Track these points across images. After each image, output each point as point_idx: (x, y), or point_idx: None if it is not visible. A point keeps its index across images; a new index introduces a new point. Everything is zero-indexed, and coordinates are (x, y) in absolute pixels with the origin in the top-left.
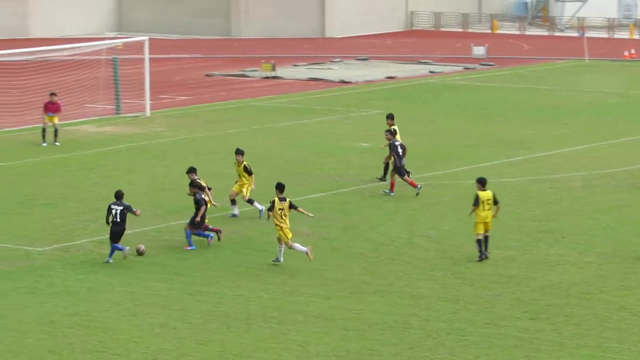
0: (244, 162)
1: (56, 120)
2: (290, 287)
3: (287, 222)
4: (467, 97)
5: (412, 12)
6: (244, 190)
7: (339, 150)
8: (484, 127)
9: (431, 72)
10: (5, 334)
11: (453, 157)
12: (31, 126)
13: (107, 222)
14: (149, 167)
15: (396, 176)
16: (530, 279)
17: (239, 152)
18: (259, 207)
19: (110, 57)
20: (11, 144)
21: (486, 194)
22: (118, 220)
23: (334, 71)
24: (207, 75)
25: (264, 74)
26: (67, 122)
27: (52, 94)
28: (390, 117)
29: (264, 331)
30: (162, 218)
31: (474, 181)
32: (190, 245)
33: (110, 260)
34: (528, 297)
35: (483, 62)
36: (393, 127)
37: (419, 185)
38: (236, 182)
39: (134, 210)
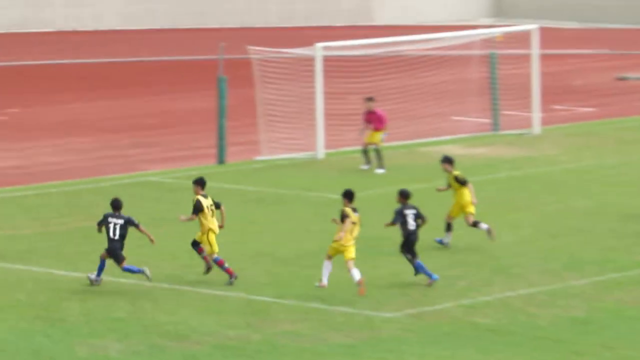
0: (455, 172)
1: (378, 138)
2: None
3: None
4: None
5: None
6: (469, 210)
7: None
8: None
9: None
10: None
11: None
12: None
13: (99, 230)
14: (538, 204)
15: None
16: None
17: (446, 160)
18: (484, 227)
19: (485, 53)
20: (349, 167)
21: None
22: (116, 237)
23: None
24: (619, 79)
25: None
26: (427, 140)
27: (369, 99)
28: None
29: None
30: (557, 275)
31: None
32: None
33: (98, 280)
34: None
35: None
36: None
37: None
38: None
39: (137, 223)
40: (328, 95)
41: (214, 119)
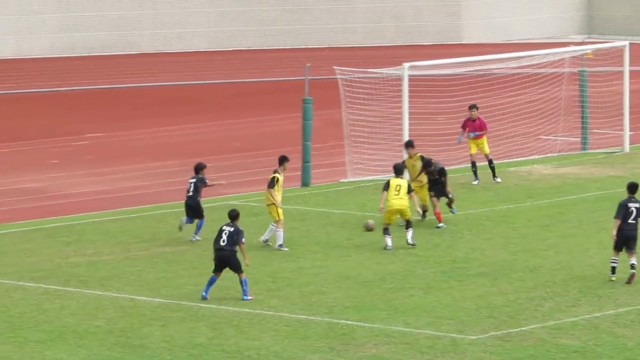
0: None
1: (486, 148)
2: None
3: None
4: None
5: None
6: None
7: None
8: None
9: None
10: None
11: None
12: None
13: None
14: None
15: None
16: None
17: (407, 144)
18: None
19: (575, 70)
20: None
21: None
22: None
23: None
24: None
25: None
26: (515, 160)
27: (472, 107)
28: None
29: None
30: None
31: None
32: None
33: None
34: None
35: None
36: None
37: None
38: None
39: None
40: (415, 116)
41: (299, 141)
